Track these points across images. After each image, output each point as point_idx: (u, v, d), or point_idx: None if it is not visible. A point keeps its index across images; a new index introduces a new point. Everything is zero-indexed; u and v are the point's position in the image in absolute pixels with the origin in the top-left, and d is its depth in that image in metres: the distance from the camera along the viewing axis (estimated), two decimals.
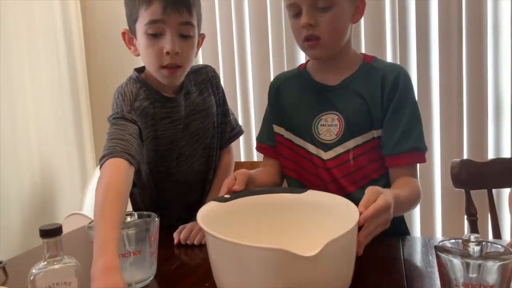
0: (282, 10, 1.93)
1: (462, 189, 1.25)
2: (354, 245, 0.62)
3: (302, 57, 1.93)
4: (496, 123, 1.71)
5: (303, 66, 1.06)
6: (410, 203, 0.89)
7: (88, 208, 1.75)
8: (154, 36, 0.89)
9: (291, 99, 1.03)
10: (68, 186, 1.97)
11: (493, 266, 0.55)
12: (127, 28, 0.96)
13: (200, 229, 0.94)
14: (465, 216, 1.27)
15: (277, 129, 1.05)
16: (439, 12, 1.71)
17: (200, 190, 1.11)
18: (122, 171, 0.78)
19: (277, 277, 0.53)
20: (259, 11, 1.96)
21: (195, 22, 0.92)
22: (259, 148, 1.10)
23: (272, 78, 1.92)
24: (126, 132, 0.85)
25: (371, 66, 0.97)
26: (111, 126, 0.87)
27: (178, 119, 0.99)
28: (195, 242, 0.93)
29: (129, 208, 1.12)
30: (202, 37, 1.01)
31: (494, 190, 1.28)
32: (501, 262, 0.55)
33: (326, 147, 0.96)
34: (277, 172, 1.06)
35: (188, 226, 0.96)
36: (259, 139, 1.11)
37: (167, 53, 0.88)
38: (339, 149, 0.95)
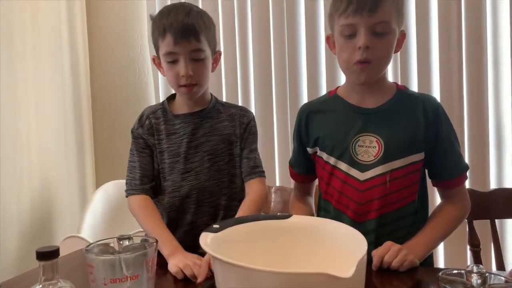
0: (285, 35, 1.97)
1: (464, 219, 1.24)
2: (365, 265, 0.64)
3: (304, 90, 1.96)
4: (497, 153, 1.71)
5: (333, 92, 1.09)
6: (445, 232, 0.99)
7: (87, 231, 1.73)
8: (172, 62, 1.05)
9: (326, 121, 1.05)
10: (67, 208, 1.96)
11: None
12: (155, 54, 1.12)
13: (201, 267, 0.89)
14: (468, 247, 1.25)
15: (311, 151, 1.07)
16: (440, 42, 1.74)
17: (210, 214, 1.11)
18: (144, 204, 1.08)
19: None
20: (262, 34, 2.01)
21: (204, 47, 1.06)
22: (290, 173, 1.17)
23: (274, 111, 1.93)
24: (136, 154, 1.12)
25: (407, 94, 1.03)
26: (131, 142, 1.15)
27: (185, 134, 1.11)
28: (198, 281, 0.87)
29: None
30: (218, 53, 1.15)
31: (497, 221, 1.26)
32: None
33: (364, 167, 0.98)
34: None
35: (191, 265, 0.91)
36: (290, 163, 1.17)
37: (182, 76, 1.04)
38: (377, 170, 0.97)
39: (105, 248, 0.75)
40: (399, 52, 1.77)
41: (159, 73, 2.21)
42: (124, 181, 1.14)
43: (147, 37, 2.17)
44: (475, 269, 0.59)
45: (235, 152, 1.13)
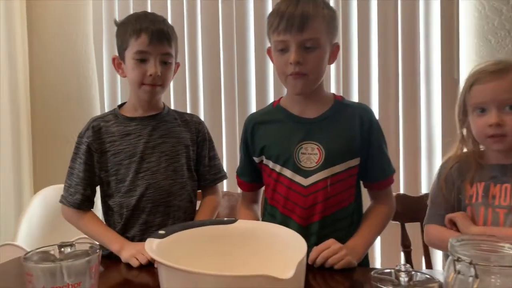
0: (235, 49, 2.00)
1: (398, 222, 1.33)
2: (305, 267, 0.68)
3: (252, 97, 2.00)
4: (428, 161, 1.85)
5: (276, 103, 1.13)
6: (379, 230, 1.08)
7: (23, 238, 1.64)
8: (141, 61, 1.10)
9: (271, 131, 1.09)
10: (1, 214, 1.84)
11: None
12: (116, 55, 1.16)
13: None
14: (401, 247, 1.35)
15: (258, 159, 1.11)
16: (379, 59, 1.85)
17: (167, 214, 1.14)
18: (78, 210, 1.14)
19: None
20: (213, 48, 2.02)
21: (173, 53, 1.14)
22: (238, 182, 1.20)
23: (223, 119, 1.96)
24: (76, 161, 1.13)
25: (344, 104, 1.09)
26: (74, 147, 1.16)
27: (141, 135, 1.14)
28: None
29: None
30: (177, 65, 1.20)
31: None
32: None
33: (307, 173, 1.03)
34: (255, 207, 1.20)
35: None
36: (237, 172, 1.19)
37: (150, 75, 1.09)
38: (319, 176, 1.03)
39: (45, 256, 0.73)
40: (341, 66, 1.87)
41: (104, 74, 2.17)
42: None
43: (92, 38, 2.10)
44: (403, 268, 0.64)
45: (191, 155, 1.18)
